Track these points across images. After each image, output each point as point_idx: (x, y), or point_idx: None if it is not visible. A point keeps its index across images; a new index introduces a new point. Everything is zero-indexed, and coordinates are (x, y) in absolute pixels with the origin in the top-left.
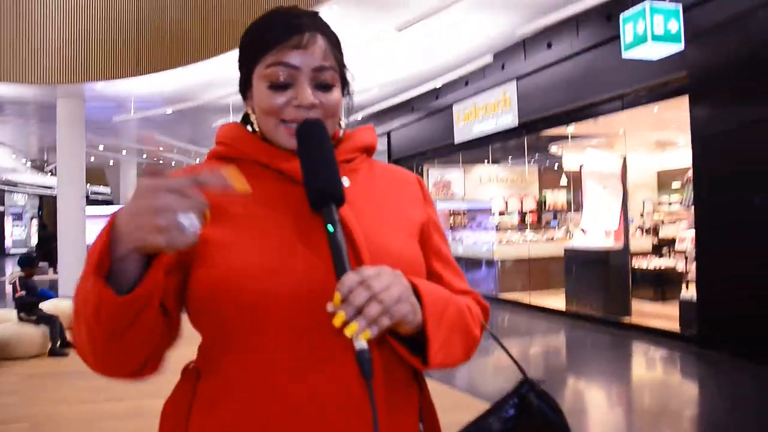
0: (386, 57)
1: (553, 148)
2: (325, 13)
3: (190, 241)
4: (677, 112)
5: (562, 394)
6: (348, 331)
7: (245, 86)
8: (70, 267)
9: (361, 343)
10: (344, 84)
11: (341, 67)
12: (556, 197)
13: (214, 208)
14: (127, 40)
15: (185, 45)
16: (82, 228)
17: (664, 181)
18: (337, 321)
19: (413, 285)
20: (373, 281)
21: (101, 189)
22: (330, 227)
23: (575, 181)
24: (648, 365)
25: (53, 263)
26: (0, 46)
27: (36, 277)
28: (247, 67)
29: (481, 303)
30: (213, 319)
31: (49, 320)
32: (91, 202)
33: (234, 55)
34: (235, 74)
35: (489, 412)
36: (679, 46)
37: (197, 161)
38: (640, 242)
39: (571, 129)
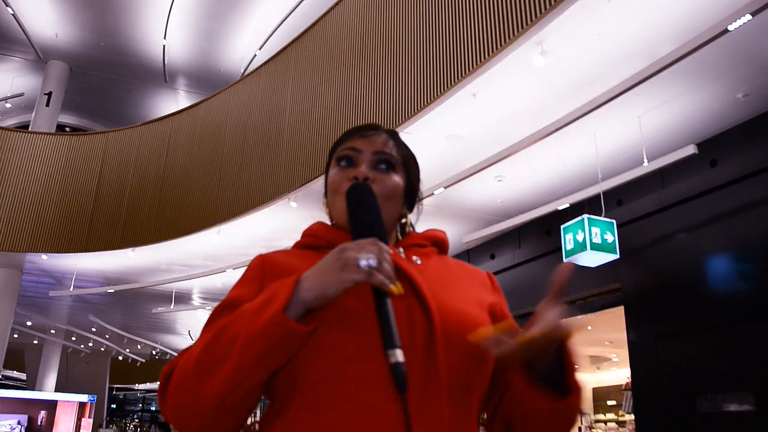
0: None
1: None
2: (284, 206)
3: (364, 275)
4: (611, 331)
5: None
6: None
7: (326, 188)
8: None
9: (397, 357)
10: (411, 184)
11: (408, 165)
12: None
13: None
14: (80, 216)
15: (137, 227)
16: None
17: (599, 397)
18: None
19: None
20: None
21: (15, 374)
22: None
23: None
24: None
25: None
26: None
27: None
28: (327, 165)
29: None
30: (287, 377)
31: None
32: (1, 387)
33: (185, 241)
34: (182, 261)
35: None
36: (615, 256)
37: (127, 350)
38: None
39: None
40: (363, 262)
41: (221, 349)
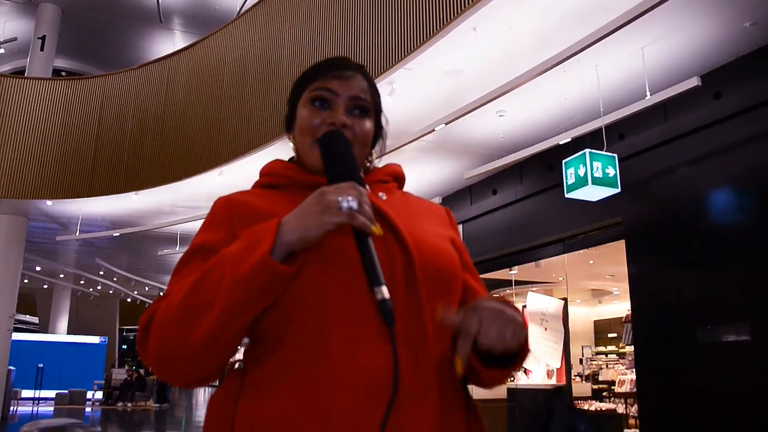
0: None
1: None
2: (285, 146)
3: (345, 217)
4: (613, 265)
5: None
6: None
7: (290, 118)
8: None
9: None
10: (378, 127)
11: (377, 108)
12: None
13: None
14: (82, 161)
15: (139, 170)
16: (6, 350)
17: (601, 330)
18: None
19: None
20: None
21: (28, 318)
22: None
23: None
24: None
25: None
26: None
27: None
28: (294, 98)
29: None
30: (276, 317)
31: None
32: (15, 330)
33: (188, 182)
34: (185, 203)
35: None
36: (616, 190)
37: (135, 293)
38: (580, 387)
39: (514, 272)
40: (344, 205)
41: (206, 294)
